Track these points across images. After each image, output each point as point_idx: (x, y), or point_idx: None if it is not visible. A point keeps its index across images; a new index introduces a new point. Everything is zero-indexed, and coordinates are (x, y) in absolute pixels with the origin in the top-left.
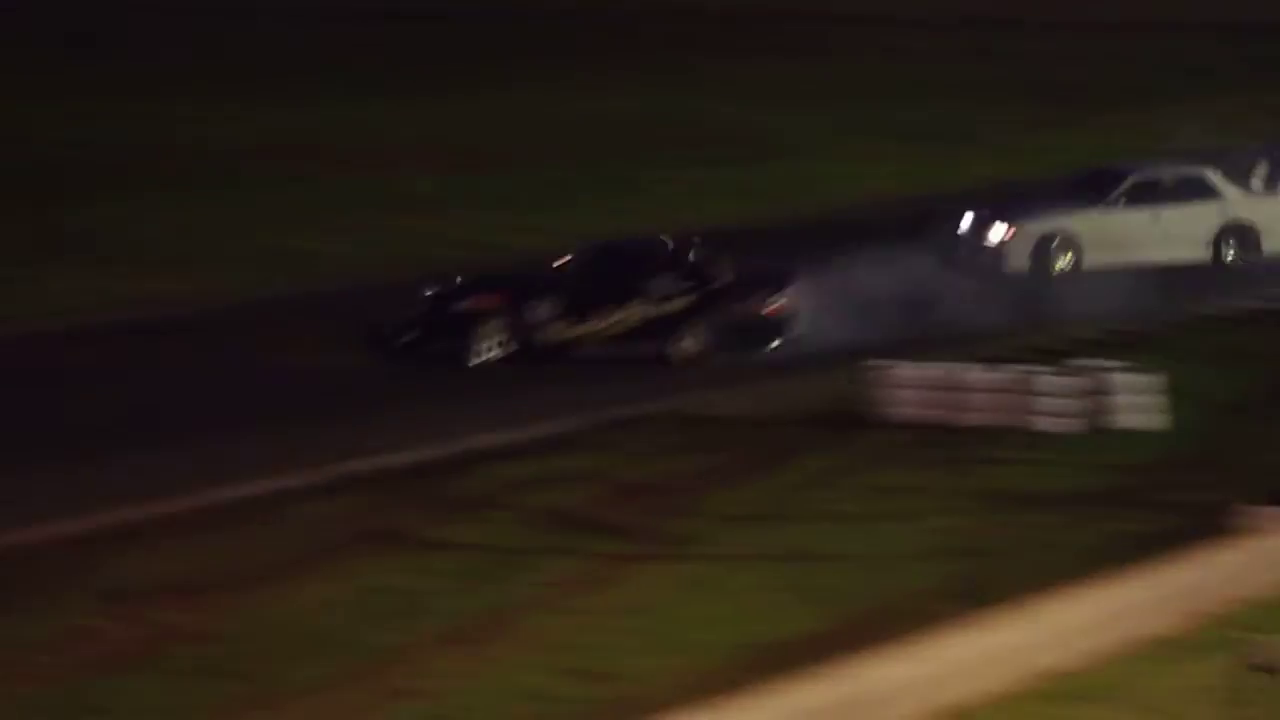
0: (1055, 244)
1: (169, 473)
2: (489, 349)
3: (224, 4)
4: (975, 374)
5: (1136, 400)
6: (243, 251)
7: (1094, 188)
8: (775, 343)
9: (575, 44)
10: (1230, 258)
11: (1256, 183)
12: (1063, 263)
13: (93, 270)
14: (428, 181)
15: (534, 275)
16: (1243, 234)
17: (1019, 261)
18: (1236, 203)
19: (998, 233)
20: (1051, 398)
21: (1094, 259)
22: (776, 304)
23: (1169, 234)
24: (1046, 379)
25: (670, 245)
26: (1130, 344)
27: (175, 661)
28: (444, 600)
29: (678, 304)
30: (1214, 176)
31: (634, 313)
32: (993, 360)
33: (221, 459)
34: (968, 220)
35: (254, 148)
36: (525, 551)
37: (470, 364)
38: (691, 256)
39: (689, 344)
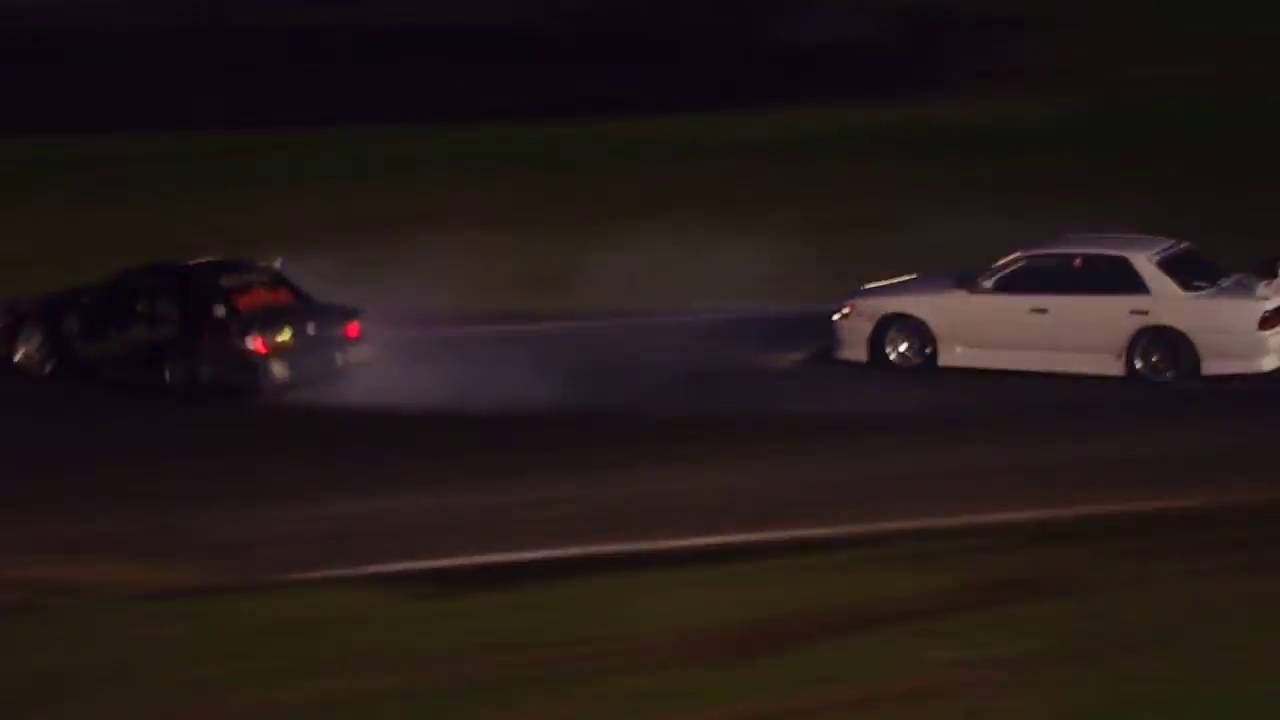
0: (895, 330)
1: None
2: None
3: None
4: None
5: None
6: None
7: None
8: (257, 382)
9: None
10: (1149, 374)
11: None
12: (902, 352)
13: None
14: None
15: (76, 292)
16: (1171, 345)
17: (855, 349)
18: (1165, 300)
19: (836, 311)
20: None
21: (954, 355)
22: (267, 341)
23: (1064, 333)
24: None
25: (197, 267)
26: None
27: None
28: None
29: (166, 331)
30: (1144, 260)
31: (128, 337)
32: None
33: None
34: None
35: None
36: None
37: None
38: (202, 283)
39: (169, 374)
